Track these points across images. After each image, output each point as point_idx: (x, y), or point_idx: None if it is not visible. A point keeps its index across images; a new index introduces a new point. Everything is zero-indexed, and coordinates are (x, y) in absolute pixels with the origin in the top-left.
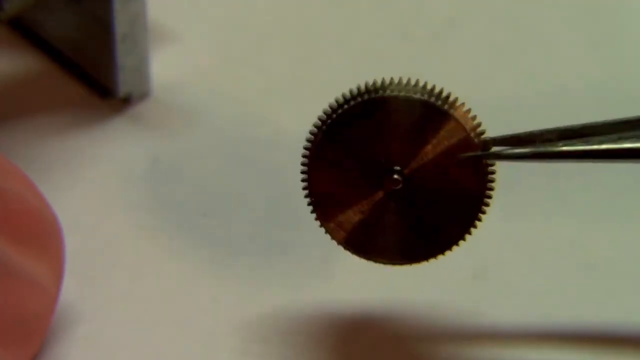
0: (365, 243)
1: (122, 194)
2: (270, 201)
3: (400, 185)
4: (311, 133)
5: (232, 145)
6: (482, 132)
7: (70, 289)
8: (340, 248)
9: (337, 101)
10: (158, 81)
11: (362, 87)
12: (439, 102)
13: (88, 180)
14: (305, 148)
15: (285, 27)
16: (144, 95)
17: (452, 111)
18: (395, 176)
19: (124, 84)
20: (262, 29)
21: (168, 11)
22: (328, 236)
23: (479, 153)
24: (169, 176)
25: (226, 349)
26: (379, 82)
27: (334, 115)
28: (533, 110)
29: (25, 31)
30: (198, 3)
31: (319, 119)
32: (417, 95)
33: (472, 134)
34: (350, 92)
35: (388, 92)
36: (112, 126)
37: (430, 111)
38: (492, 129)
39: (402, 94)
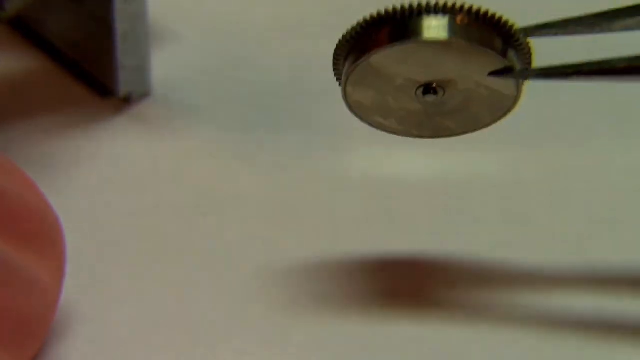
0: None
1: (122, 193)
2: (270, 201)
3: (435, 97)
4: (338, 54)
5: (232, 145)
6: (501, 18)
7: (71, 289)
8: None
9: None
10: (158, 81)
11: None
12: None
13: (88, 180)
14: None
15: (285, 27)
16: (144, 94)
17: (455, 35)
18: (431, 88)
19: (125, 84)
20: (262, 29)
21: (168, 11)
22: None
23: (511, 72)
24: (169, 176)
25: (226, 349)
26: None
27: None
28: None
29: (26, 31)
30: (198, 3)
31: (342, 42)
32: (426, 36)
33: (492, 47)
34: (385, 10)
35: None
36: (113, 126)
37: (440, 43)
38: None
39: (412, 38)
